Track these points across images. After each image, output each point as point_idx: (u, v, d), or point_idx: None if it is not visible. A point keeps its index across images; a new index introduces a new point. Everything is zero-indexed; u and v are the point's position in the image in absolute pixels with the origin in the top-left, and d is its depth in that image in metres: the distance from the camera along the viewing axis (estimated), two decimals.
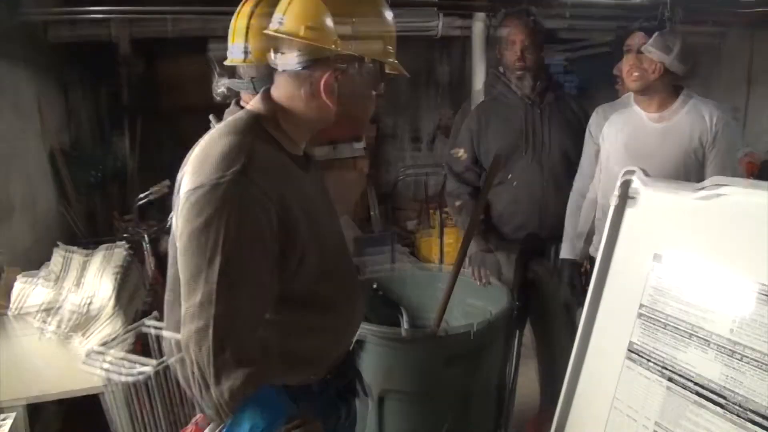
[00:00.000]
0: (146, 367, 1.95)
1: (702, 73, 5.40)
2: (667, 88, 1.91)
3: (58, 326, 2.12)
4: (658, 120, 1.92)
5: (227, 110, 1.64)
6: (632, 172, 1.46)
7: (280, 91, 1.09)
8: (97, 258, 2.39)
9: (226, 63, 1.57)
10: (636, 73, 1.86)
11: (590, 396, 1.46)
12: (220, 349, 0.91)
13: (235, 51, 1.56)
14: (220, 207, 0.93)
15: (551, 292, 2.06)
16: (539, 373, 2.45)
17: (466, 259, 2.15)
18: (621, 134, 1.98)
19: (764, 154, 4.89)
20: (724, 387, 1.15)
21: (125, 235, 3.16)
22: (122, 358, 2.04)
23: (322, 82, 1.03)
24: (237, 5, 1.61)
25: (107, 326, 2.18)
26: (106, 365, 2.02)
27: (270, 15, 1.10)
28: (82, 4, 3.87)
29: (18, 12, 3.32)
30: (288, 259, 1.03)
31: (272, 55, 1.08)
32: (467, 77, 5.38)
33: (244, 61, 1.54)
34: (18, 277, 2.16)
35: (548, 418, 1.59)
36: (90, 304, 2.17)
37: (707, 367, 1.19)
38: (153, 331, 2.24)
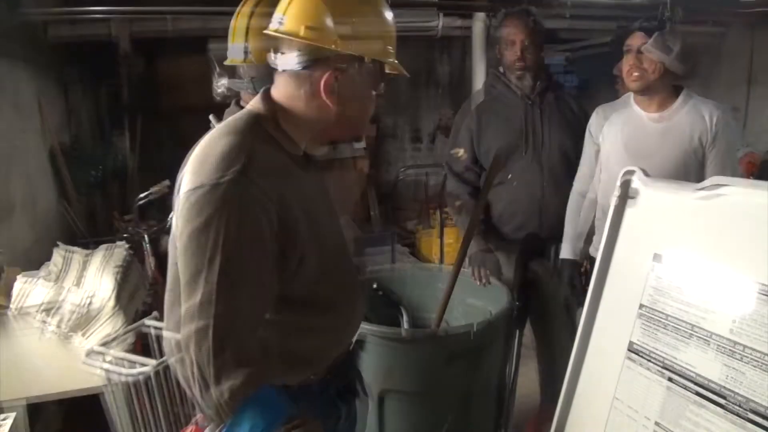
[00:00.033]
0: (146, 367, 1.96)
1: (702, 73, 5.41)
2: (667, 88, 1.91)
3: (58, 325, 2.12)
4: (658, 120, 1.92)
5: (227, 110, 1.64)
6: (632, 172, 1.46)
7: (280, 91, 1.09)
8: (98, 257, 2.39)
9: (225, 63, 1.57)
10: (636, 73, 1.86)
11: (590, 395, 1.46)
12: (220, 349, 0.91)
13: (234, 51, 1.56)
14: (220, 207, 0.93)
15: (551, 292, 2.06)
16: (539, 372, 2.45)
17: (466, 259, 2.15)
18: (621, 134, 1.98)
19: (764, 154, 4.89)
20: (725, 386, 1.15)
21: (125, 235, 3.16)
22: (122, 358, 2.04)
23: (322, 82, 1.03)
24: (237, 5, 1.60)
25: (107, 325, 2.18)
26: (106, 365, 2.02)
27: (270, 15, 1.10)
28: (82, 4, 3.88)
29: (18, 11, 3.32)
30: (288, 259, 1.03)
31: (272, 55, 1.08)
32: (467, 77, 5.39)
33: (244, 61, 1.54)
34: (18, 277, 2.16)
35: (548, 418, 1.59)
36: (90, 303, 2.17)
37: (707, 366, 1.19)
38: (153, 331, 2.24)
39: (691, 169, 1.88)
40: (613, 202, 1.47)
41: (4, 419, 1.73)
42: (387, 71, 1.12)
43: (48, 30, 4.00)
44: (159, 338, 2.23)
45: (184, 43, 4.80)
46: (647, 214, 1.41)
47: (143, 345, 2.39)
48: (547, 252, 2.26)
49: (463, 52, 6.20)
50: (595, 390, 1.45)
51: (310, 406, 1.08)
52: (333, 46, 1.01)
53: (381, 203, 5.53)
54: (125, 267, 2.41)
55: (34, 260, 2.55)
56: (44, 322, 2.12)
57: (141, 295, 2.60)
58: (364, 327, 1.70)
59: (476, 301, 2.22)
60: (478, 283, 2.15)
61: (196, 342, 0.90)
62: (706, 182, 1.27)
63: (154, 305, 2.80)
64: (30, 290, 2.12)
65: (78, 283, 2.22)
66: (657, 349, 1.30)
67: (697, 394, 1.20)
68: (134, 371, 1.97)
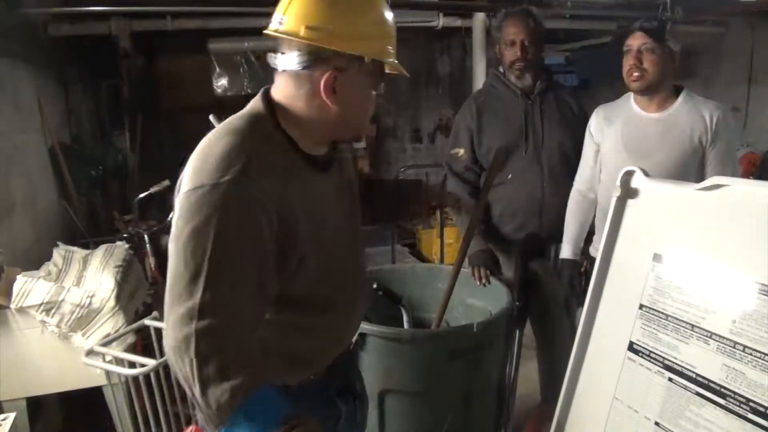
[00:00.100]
0: (146, 366, 1.96)
1: (702, 73, 5.41)
2: (668, 88, 1.91)
3: (58, 325, 2.12)
4: (658, 120, 1.92)
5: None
6: (632, 173, 1.46)
7: (281, 91, 1.09)
8: (98, 256, 2.39)
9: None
10: (636, 73, 1.86)
11: (591, 394, 1.47)
12: (220, 348, 0.91)
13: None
14: (219, 207, 0.93)
15: (551, 292, 2.06)
16: (540, 372, 2.45)
17: (466, 259, 2.15)
18: (621, 134, 1.98)
19: (764, 154, 4.89)
20: (724, 386, 1.15)
21: (125, 235, 3.16)
22: (122, 358, 2.05)
23: (322, 82, 1.03)
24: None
25: (107, 325, 2.18)
26: (106, 364, 2.02)
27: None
28: (82, 2, 3.87)
29: (18, 10, 3.32)
30: (288, 259, 1.03)
31: (272, 55, 1.08)
32: (467, 76, 5.39)
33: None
34: (18, 276, 2.17)
35: (548, 417, 1.59)
36: (90, 302, 2.17)
37: (707, 366, 1.20)
38: (153, 331, 2.24)
39: (690, 169, 1.88)
40: (613, 202, 1.47)
41: (4, 419, 1.73)
42: (387, 71, 1.12)
43: (48, 29, 4.00)
44: (159, 338, 2.23)
45: (185, 41, 4.82)
46: (647, 214, 1.42)
47: (144, 345, 2.39)
48: (547, 252, 2.26)
49: (463, 51, 6.21)
50: (595, 389, 1.45)
51: (310, 406, 1.08)
52: (333, 47, 1.01)
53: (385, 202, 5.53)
54: (125, 266, 2.41)
55: (34, 260, 2.55)
56: (44, 321, 2.12)
57: (141, 294, 2.60)
58: (364, 327, 1.70)
59: (476, 301, 2.22)
60: (478, 283, 2.15)
61: (196, 341, 0.90)
62: (706, 182, 1.27)
63: (154, 305, 2.80)
64: (30, 289, 2.12)
65: (78, 283, 2.22)
66: (657, 349, 1.31)
67: (697, 393, 1.20)
68: (134, 371, 1.97)
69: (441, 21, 4.84)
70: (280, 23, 1.05)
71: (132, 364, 2.02)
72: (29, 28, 3.70)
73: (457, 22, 5.00)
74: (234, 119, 1.08)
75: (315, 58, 1.02)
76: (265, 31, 1.08)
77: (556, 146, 2.21)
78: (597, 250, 1.56)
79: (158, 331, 2.24)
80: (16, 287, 2.12)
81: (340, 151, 1.23)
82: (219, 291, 0.92)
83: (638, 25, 1.87)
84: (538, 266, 2.07)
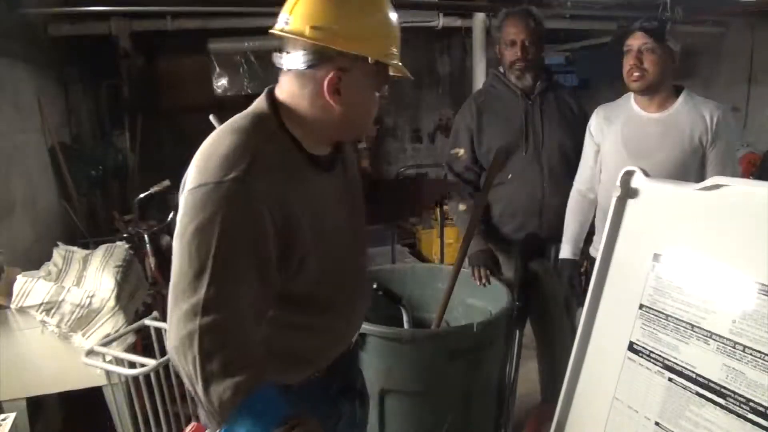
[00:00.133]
0: (146, 366, 1.96)
1: (702, 73, 5.41)
2: (668, 88, 1.91)
3: (59, 325, 2.12)
4: (658, 120, 1.92)
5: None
6: (632, 173, 1.46)
7: (285, 90, 1.10)
8: (98, 256, 2.39)
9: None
10: (636, 73, 1.86)
11: (591, 394, 1.47)
12: (223, 345, 0.91)
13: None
14: (223, 205, 0.94)
15: (551, 292, 2.06)
16: (540, 372, 2.45)
17: (466, 259, 2.15)
18: (621, 134, 1.98)
19: (764, 154, 4.89)
20: (724, 386, 1.15)
21: (125, 235, 3.16)
22: (122, 358, 2.05)
23: (326, 82, 1.03)
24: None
25: (107, 325, 2.19)
26: (106, 364, 2.02)
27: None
28: (82, 2, 3.87)
29: (18, 10, 3.32)
30: (289, 259, 1.03)
31: (277, 54, 1.08)
32: (467, 76, 5.39)
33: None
34: (18, 276, 2.17)
35: (548, 417, 1.59)
36: (90, 302, 2.17)
37: (707, 366, 1.20)
38: (153, 331, 2.24)
39: (690, 169, 1.88)
40: (613, 202, 1.47)
41: (4, 419, 1.73)
42: (391, 74, 1.12)
43: (48, 29, 4.00)
44: (159, 338, 2.23)
45: (185, 41, 4.82)
46: (647, 214, 1.42)
47: (144, 345, 2.39)
48: (547, 252, 2.26)
49: (463, 51, 6.21)
50: (595, 389, 1.45)
51: (311, 405, 1.08)
52: (337, 47, 1.01)
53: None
54: (125, 266, 2.41)
55: (35, 260, 2.56)
56: (44, 321, 2.12)
57: (141, 294, 2.60)
58: (364, 327, 1.70)
59: (476, 301, 2.22)
60: (478, 283, 2.15)
61: (199, 338, 0.90)
62: (706, 182, 1.27)
63: (154, 305, 2.80)
64: (30, 289, 2.12)
65: (78, 283, 2.22)
66: (657, 349, 1.31)
67: (697, 393, 1.20)
68: (134, 371, 1.97)
69: (441, 21, 4.84)
70: (286, 23, 1.06)
71: (132, 364, 2.02)
72: (29, 28, 3.70)
73: (457, 22, 5.01)
74: (238, 118, 1.08)
75: (319, 57, 1.03)
76: (271, 31, 1.10)
77: (556, 146, 2.21)
78: (597, 250, 1.56)
79: (158, 331, 2.24)
80: (16, 287, 2.12)
81: (343, 150, 1.23)
82: (223, 288, 0.92)
83: (638, 25, 1.87)
84: (538, 266, 2.07)
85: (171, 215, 3.24)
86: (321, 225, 1.09)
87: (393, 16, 1.11)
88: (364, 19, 1.05)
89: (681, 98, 1.91)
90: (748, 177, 4.27)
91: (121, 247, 2.57)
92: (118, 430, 2.22)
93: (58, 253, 2.44)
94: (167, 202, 3.61)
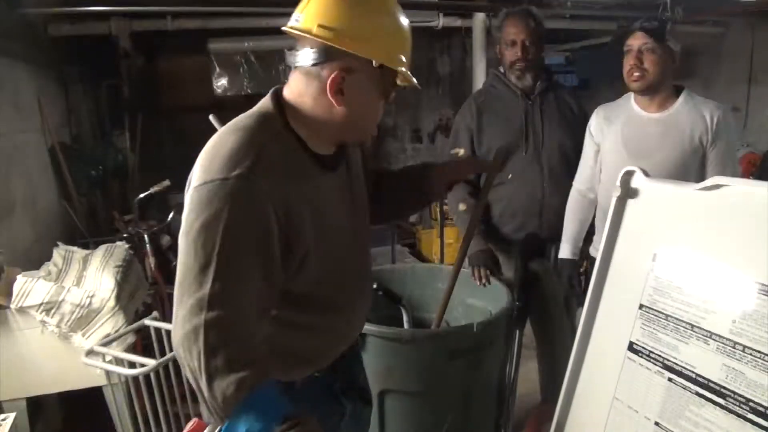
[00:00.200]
0: (146, 366, 1.96)
1: (702, 73, 5.41)
2: (668, 88, 1.91)
3: (58, 325, 2.12)
4: (658, 120, 1.92)
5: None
6: (632, 173, 1.46)
7: (292, 88, 1.11)
8: (98, 256, 2.39)
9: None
10: (636, 73, 1.86)
11: (591, 394, 1.47)
12: (227, 340, 0.92)
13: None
14: (229, 202, 0.94)
15: (551, 292, 2.06)
16: (540, 372, 2.45)
17: (466, 259, 2.15)
18: (621, 134, 1.98)
19: (764, 154, 4.89)
20: (724, 386, 1.15)
21: (125, 235, 3.16)
22: (122, 358, 2.05)
23: (329, 80, 1.04)
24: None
25: (107, 325, 2.19)
26: (106, 364, 2.02)
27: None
28: (82, 2, 3.87)
29: (18, 10, 3.32)
30: (291, 258, 1.04)
31: (288, 53, 1.10)
32: (467, 76, 5.39)
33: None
34: (18, 276, 2.17)
35: (548, 418, 1.59)
36: (90, 302, 2.17)
37: (707, 366, 1.19)
38: (153, 331, 2.24)
39: (691, 170, 1.88)
40: (613, 202, 1.47)
41: (4, 419, 1.73)
42: (399, 82, 1.12)
43: (48, 29, 4.00)
44: (159, 338, 2.23)
45: (185, 41, 4.81)
46: (647, 214, 1.42)
47: (144, 345, 2.39)
48: (547, 252, 2.26)
49: (463, 51, 6.21)
50: (595, 389, 1.45)
51: (314, 403, 1.09)
52: (342, 46, 1.02)
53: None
54: (125, 266, 2.41)
55: (35, 260, 2.56)
56: (44, 321, 2.12)
57: (141, 294, 2.60)
58: (364, 327, 1.69)
59: (476, 301, 2.22)
60: (478, 283, 2.15)
61: (204, 332, 0.90)
62: (706, 182, 1.27)
63: (154, 305, 2.80)
64: (30, 289, 2.12)
65: (78, 283, 2.22)
66: (657, 349, 1.31)
67: (697, 393, 1.20)
68: (134, 371, 1.97)
69: (441, 21, 4.84)
70: (297, 21, 1.07)
71: (132, 364, 2.02)
72: (29, 28, 3.70)
73: (457, 22, 5.01)
74: (243, 117, 1.09)
75: (325, 56, 1.04)
76: (283, 28, 1.11)
77: (556, 146, 2.21)
78: (597, 250, 1.56)
79: (158, 331, 2.24)
80: (16, 287, 2.12)
81: (347, 150, 1.23)
82: (228, 283, 0.93)
83: (639, 25, 1.87)
84: (538, 266, 2.07)
85: (171, 215, 3.24)
86: (323, 224, 1.09)
87: (404, 23, 1.11)
88: (373, 23, 1.06)
89: (681, 98, 1.91)
90: (748, 177, 4.27)
91: (121, 247, 2.57)
92: (118, 430, 2.22)
93: (58, 253, 2.44)
94: (167, 202, 3.61)
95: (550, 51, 5.76)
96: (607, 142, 2.03)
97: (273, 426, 0.89)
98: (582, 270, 2.25)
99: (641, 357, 1.34)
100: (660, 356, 1.29)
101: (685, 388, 1.23)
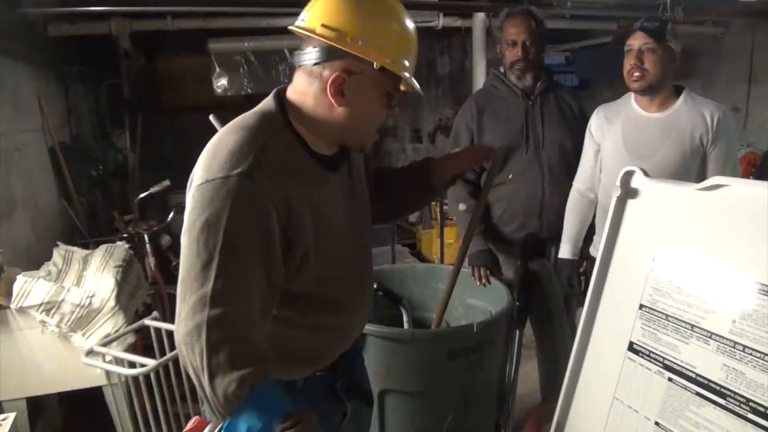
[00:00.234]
0: (146, 366, 1.96)
1: (702, 73, 5.41)
2: (668, 88, 1.91)
3: (58, 325, 2.12)
4: (658, 120, 1.92)
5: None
6: (632, 173, 1.46)
7: (295, 88, 1.11)
8: (98, 256, 2.39)
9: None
10: (637, 74, 1.86)
11: (591, 394, 1.47)
12: (230, 337, 0.92)
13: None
14: (230, 200, 0.95)
15: (551, 292, 2.06)
16: (540, 372, 2.45)
17: (466, 259, 2.15)
18: (621, 134, 1.98)
19: (764, 154, 4.89)
20: (724, 386, 1.15)
21: (125, 235, 3.16)
22: (122, 358, 2.05)
23: (330, 80, 1.04)
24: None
25: (107, 325, 2.19)
26: (106, 364, 2.02)
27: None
28: (82, 2, 3.88)
29: (18, 10, 3.32)
30: (291, 257, 1.04)
31: (295, 52, 1.10)
32: (468, 76, 5.39)
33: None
34: (18, 276, 2.17)
35: (549, 417, 1.59)
36: (90, 302, 2.17)
37: (707, 366, 1.19)
38: (153, 331, 2.24)
39: (691, 170, 1.88)
40: (613, 202, 1.47)
41: (4, 419, 1.73)
42: (403, 89, 1.12)
43: (48, 29, 4.00)
44: (159, 338, 2.23)
45: (185, 41, 4.82)
46: (647, 214, 1.41)
47: (144, 345, 2.39)
48: (547, 252, 2.26)
49: (463, 51, 6.21)
50: (595, 389, 1.45)
51: (315, 402, 1.09)
52: (343, 47, 1.02)
53: None
54: (125, 266, 2.41)
55: (35, 260, 2.56)
56: (44, 321, 2.12)
57: (141, 294, 2.60)
58: (365, 327, 1.70)
59: (476, 301, 2.22)
60: (478, 283, 2.15)
61: (207, 329, 0.91)
62: (706, 182, 1.27)
63: (154, 305, 2.80)
64: (30, 289, 2.12)
65: (78, 283, 2.22)
66: (657, 349, 1.30)
67: (697, 393, 1.20)
68: (134, 371, 1.97)
69: (441, 21, 4.84)
70: (303, 20, 1.08)
71: (132, 364, 2.02)
72: (29, 28, 3.70)
73: (457, 22, 5.01)
74: (245, 116, 1.09)
75: (327, 56, 1.04)
76: (289, 27, 1.12)
77: (556, 146, 2.21)
78: (597, 250, 1.56)
79: (158, 331, 2.24)
80: (16, 287, 2.12)
81: (349, 151, 1.23)
82: (230, 280, 0.94)
83: (639, 25, 1.87)
84: (538, 266, 2.07)
85: (171, 215, 3.24)
86: (323, 224, 1.09)
87: (410, 28, 1.11)
88: (376, 25, 1.06)
89: (681, 98, 1.91)
90: (748, 177, 4.27)
91: (121, 247, 2.57)
92: (118, 430, 2.22)
93: (58, 253, 2.44)
94: (167, 202, 3.61)
95: (550, 51, 5.76)
96: (607, 142, 2.03)
97: (274, 424, 0.89)
98: (582, 270, 2.25)
99: (641, 357, 1.34)
100: (660, 356, 1.29)
101: (685, 388, 1.23)
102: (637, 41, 1.86)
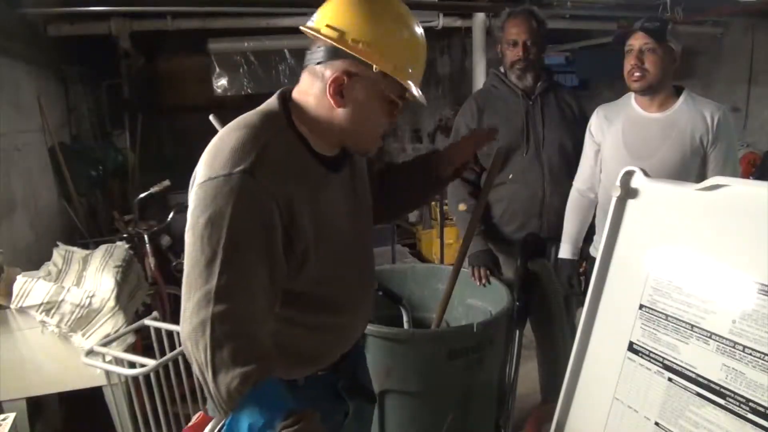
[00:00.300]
0: (146, 366, 1.96)
1: (702, 73, 5.41)
2: (668, 88, 1.91)
3: (58, 325, 2.12)
4: (658, 120, 1.92)
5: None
6: (632, 173, 1.46)
7: (300, 87, 1.12)
8: (98, 256, 2.39)
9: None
10: (637, 74, 1.86)
11: (591, 394, 1.47)
12: (234, 334, 0.92)
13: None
14: (233, 197, 0.95)
15: (551, 292, 2.06)
16: (540, 372, 2.45)
17: (466, 259, 2.15)
18: (621, 134, 1.98)
19: (764, 154, 4.89)
20: (724, 386, 1.15)
21: (125, 235, 3.16)
22: (122, 358, 2.05)
23: (330, 80, 1.04)
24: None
25: (107, 325, 2.18)
26: (106, 364, 2.02)
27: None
28: (82, 2, 3.87)
29: (18, 10, 3.32)
30: (292, 256, 1.04)
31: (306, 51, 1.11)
32: (468, 76, 5.39)
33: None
34: (18, 276, 2.16)
35: (549, 417, 1.59)
36: (90, 302, 2.17)
37: (707, 366, 1.19)
38: (153, 331, 2.24)
39: (691, 170, 1.88)
40: (613, 202, 1.47)
41: (4, 419, 1.73)
42: (407, 97, 1.11)
43: (48, 29, 4.00)
44: (159, 338, 2.23)
45: (185, 41, 4.81)
46: (647, 214, 1.41)
47: (144, 345, 2.39)
48: (547, 252, 2.26)
49: (463, 51, 6.21)
50: (595, 389, 1.45)
51: (317, 401, 1.09)
52: (345, 48, 1.02)
53: None
54: (125, 266, 2.41)
55: (35, 260, 2.56)
56: (44, 321, 2.12)
57: (141, 294, 2.60)
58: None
59: (476, 301, 2.22)
60: (478, 283, 2.15)
61: (211, 325, 0.91)
62: (706, 182, 1.27)
63: (154, 305, 2.80)
64: (30, 289, 2.12)
65: (78, 283, 2.22)
66: (657, 349, 1.30)
67: (697, 393, 1.20)
68: (134, 371, 1.97)
69: (441, 21, 4.84)
70: (312, 20, 1.09)
71: (132, 364, 2.02)
72: (29, 28, 3.70)
73: (457, 22, 5.00)
74: (248, 115, 1.10)
75: (329, 56, 1.05)
76: (300, 27, 1.13)
77: (556, 146, 2.21)
78: (597, 250, 1.56)
79: (158, 331, 2.24)
80: (16, 287, 2.12)
81: (352, 153, 1.23)
82: (234, 277, 0.94)
83: (639, 25, 1.87)
84: (538, 266, 2.07)
85: (171, 215, 3.24)
86: (324, 224, 1.09)
87: (418, 34, 1.12)
88: (380, 29, 1.06)
89: (681, 98, 1.91)
90: (748, 177, 4.27)
91: (121, 247, 2.57)
92: (118, 430, 2.22)
93: (58, 253, 2.44)
94: (167, 202, 3.61)
95: (550, 51, 5.76)
96: (607, 142, 2.03)
97: (276, 421, 0.89)
98: (582, 270, 2.25)
99: (641, 357, 1.34)
100: (660, 356, 1.29)
101: (685, 388, 1.23)
102: (637, 41, 1.86)
